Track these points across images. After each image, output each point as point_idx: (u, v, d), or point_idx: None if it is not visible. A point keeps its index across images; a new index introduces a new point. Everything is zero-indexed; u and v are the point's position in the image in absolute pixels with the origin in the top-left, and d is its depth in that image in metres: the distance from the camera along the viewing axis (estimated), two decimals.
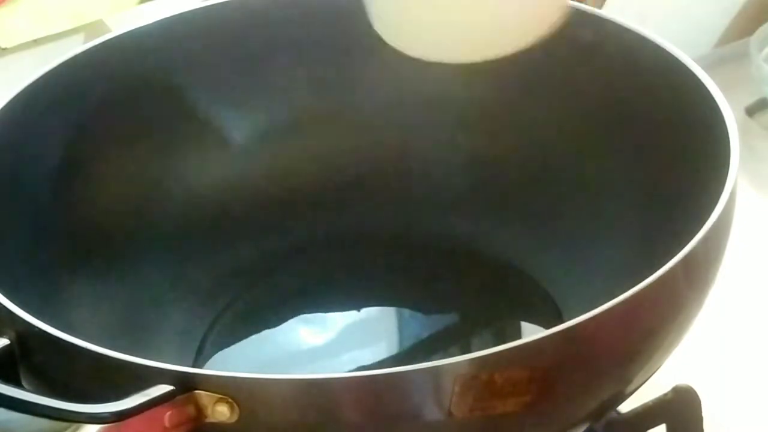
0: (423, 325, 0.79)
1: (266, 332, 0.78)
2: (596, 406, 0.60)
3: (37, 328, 0.56)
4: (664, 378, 0.66)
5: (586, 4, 0.78)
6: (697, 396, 0.72)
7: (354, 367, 0.75)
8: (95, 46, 0.77)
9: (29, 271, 0.70)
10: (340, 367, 0.76)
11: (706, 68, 0.69)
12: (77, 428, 0.79)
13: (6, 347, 0.57)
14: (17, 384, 0.56)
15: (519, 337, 0.75)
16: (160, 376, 0.53)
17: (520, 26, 0.60)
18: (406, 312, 0.79)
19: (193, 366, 0.75)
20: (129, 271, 0.78)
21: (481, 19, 0.60)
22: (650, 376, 0.62)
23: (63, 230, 0.74)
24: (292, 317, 0.79)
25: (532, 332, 0.71)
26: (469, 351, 0.55)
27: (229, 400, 0.52)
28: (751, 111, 1.06)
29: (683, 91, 0.69)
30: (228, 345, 0.78)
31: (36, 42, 0.97)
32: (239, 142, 0.84)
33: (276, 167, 0.84)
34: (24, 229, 0.71)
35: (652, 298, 0.56)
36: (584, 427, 0.62)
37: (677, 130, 0.71)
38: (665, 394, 0.72)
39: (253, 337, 0.78)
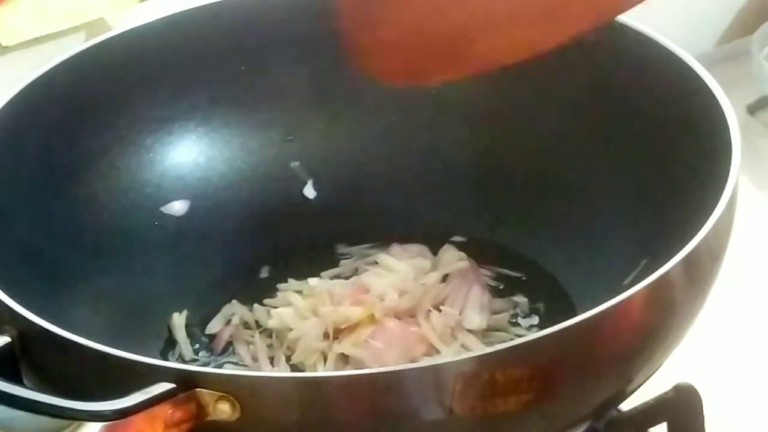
0: None
1: None
2: (597, 405, 0.60)
3: (39, 326, 0.56)
4: (665, 376, 0.66)
5: None
6: (698, 394, 0.72)
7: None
8: (96, 45, 0.78)
9: (30, 269, 0.70)
10: None
11: (708, 66, 0.69)
12: (78, 426, 0.79)
13: (7, 345, 0.57)
14: (18, 382, 0.56)
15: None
16: (162, 374, 0.53)
17: None
18: None
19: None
20: (129, 269, 0.78)
21: None
22: (651, 375, 0.62)
23: (63, 229, 0.74)
24: None
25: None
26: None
27: (230, 398, 0.52)
28: (753, 109, 1.06)
29: (685, 89, 0.69)
30: None
31: (37, 40, 0.97)
32: (240, 141, 0.84)
33: (277, 166, 0.85)
34: (25, 228, 0.71)
35: (654, 297, 0.56)
36: (585, 425, 0.62)
37: (678, 128, 0.71)
38: (666, 393, 0.72)
39: None
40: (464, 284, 0.77)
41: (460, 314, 0.75)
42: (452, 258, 0.79)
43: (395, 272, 0.77)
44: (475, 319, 0.75)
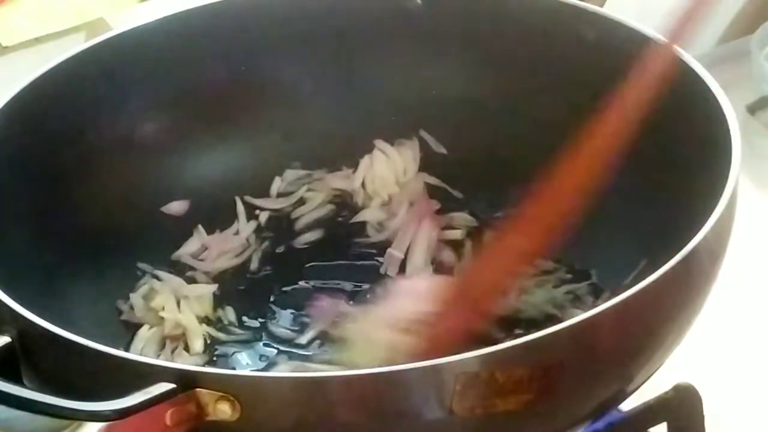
0: None
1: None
2: (597, 405, 0.60)
3: (39, 326, 0.56)
4: (665, 376, 0.66)
5: (587, 2, 0.78)
6: (698, 394, 0.72)
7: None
8: (96, 45, 0.78)
9: (31, 269, 0.70)
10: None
11: (708, 66, 0.69)
12: (78, 426, 0.79)
13: (7, 345, 0.57)
14: (19, 382, 0.56)
15: None
16: (162, 374, 0.53)
17: None
18: None
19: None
20: (129, 269, 0.78)
21: None
22: (651, 375, 0.62)
23: (64, 229, 0.74)
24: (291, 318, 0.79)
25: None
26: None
27: (231, 398, 0.52)
28: (753, 109, 1.06)
29: (685, 89, 0.69)
30: None
31: (37, 40, 0.97)
32: (240, 141, 0.84)
33: (277, 166, 0.85)
34: (25, 228, 0.72)
35: (654, 297, 0.56)
36: (586, 425, 0.62)
37: (679, 129, 0.71)
38: (666, 393, 0.72)
39: None
40: (413, 220, 0.79)
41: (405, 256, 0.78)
42: None
43: None
44: (420, 258, 0.78)
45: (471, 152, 0.83)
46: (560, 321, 0.54)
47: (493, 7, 0.80)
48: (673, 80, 0.66)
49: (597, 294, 0.75)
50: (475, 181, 0.83)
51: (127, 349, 0.73)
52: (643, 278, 0.56)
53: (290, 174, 0.84)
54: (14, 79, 0.73)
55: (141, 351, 0.73)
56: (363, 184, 0.84)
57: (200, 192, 0.82)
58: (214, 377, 0.53)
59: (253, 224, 0.82)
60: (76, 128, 0.77)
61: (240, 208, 0.82)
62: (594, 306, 0.55)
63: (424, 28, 0.82)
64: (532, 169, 0.81)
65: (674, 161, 0.71)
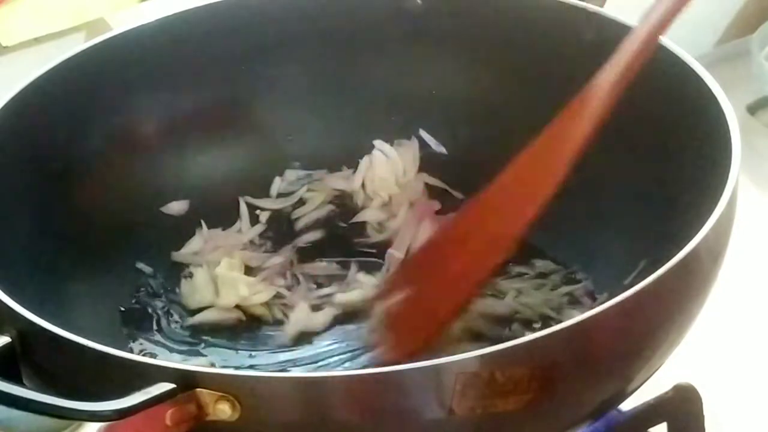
0: None
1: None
2: (597, 405, 0.60)
3: (39, 326, 0.56)
4: (665, 376, 0.66)
5: (587, 2, 0.78)
6: (698, 394, 0.72)
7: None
8: (96, 45, 0.78)
9: (30, 269, 0.70)
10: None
11: (708, 66, 0.69)
12: (78, 426, 0.79)
13: (7, 345, 0.57)
14: (19, 382, 0.56)
15: None
16: (162, 374, 0.53)
17: None
18: None
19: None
20: (129, 269, 0.78)
21: None
22: (651, 375, 0.62)
23: (64, 229, 0.74)
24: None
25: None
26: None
27: (230, 398, 0.52)
28: (753, 109, 1.06)
29: (685, 89, 0.69)
30: None
31: (37, 40, 0.97)
32: (240, 141, 0.84)
33: (277, 166, 0.85)
34: (25, 228, 0.72)
35: (654, 297, 0.56)
36: (586, 425, 0.62)
37: (679, 128, 0.71)
38: (666, 393, 0.72)
39: None
40: (413, 221, 0.79)
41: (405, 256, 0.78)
42: None
43: None
44: None
45: (471, 152, 0.83)
46: (557, 323, 0.54)
47: (493, 7, 0.80)
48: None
49: (595, 296, 0.75)
50: (475, 181, 0.83)
51: (127, 350, 0.73)
52: (643, 278, 0.56)
53: (290, 174, 0.85)
54: (14, 79, 0.73)
55: None
56: (363, 185, 0.84)
57: (200, 192, 0.82)
58: (214, 377, 0.53)
59: (259, 228, 0.82)
60: (76, 128, 0.77)
61: (243, 209, 0.82)
62: (592, 307, 0.55)
63: (424, 28, 0.82)
64: None
65: (674, 161, 0.71)
